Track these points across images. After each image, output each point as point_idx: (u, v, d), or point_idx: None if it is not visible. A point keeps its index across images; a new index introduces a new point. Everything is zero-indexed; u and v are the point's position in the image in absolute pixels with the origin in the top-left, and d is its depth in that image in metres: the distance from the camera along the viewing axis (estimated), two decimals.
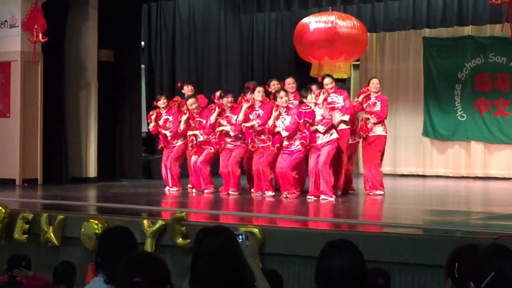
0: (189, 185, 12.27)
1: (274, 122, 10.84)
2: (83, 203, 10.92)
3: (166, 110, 12.29)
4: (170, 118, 12.19)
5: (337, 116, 10.93)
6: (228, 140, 11.56)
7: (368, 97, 11.51)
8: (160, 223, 7.96)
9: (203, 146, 11.83)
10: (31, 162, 13.30)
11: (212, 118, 11.59)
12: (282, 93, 10.94)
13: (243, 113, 11.26)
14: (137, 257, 3.40)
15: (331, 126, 10.66)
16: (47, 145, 13.57)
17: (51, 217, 8.69)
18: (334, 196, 10.62)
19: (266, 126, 10.97)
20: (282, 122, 10.78)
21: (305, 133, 10.60)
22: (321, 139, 10.62)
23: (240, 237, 3.51)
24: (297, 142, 10.72)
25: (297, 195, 10.82)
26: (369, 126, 11.35)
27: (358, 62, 17.73)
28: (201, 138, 11.78)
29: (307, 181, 11.02)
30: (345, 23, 14.84)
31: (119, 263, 3.37)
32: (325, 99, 11.09)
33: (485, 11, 14.78)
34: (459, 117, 16.71)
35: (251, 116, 11.26)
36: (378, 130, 11.41)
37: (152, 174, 15.19)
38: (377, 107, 11.40)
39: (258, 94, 11.31)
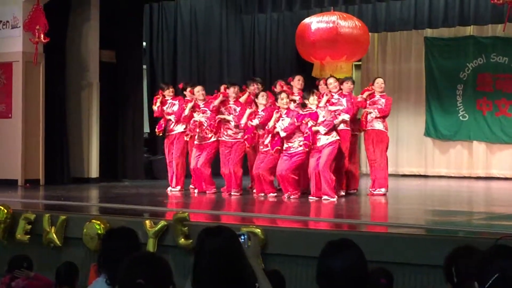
0: (191, 186, 12.27)
1: (274, 123, 10.84)
2: (85, 204, 10.93)
3: (172, 97, 12.32)
4: (176, 102, 12.19)
5: (339, 116, 10.93)
6: (226, 133, 11.54)
7: (372, 95, 11.52)
8: (162, 223, 7.96)
9: (203, 142, 11.78)
10: (33, 162, 13.30)
11: (216, 102, 11.58)
12: (283, 95, 10.95)
13: (246, 118, 11.27)
14: (139, 258, 3.39)
15: (332, 128, 10.66)
16: (49, 146, 13.58)
17: (53, 217, 8.69)
18: (336, 197, 10.62)
19: (267, 127, 10.97)
20: (282, 123, 10.78)
21: (307, 133, 10.60)
22: (322, 141, 10.62)
23: (242, 237, 3.50)
24: (296, 145, 10.73)
25: (298, 196, 10.82)
26: (368, 118, 11.37)
27: (360, 63, 17.73)
28: (205, 125, 11.69)
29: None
30: (347, 23, 14.84)
31: (121, 264, 3.37)
32: (328, 100, 11.11)
33: (486, 11, 14.77)
34: (461, 117, 16.70)
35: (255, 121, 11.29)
36: (378, 125, 11.40)
37: (154, 174, 15.20)
38: (381, 104, 11.41)
39: (262, 98, 11.31)
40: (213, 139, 11.70)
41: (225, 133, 11.60)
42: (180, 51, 16.22)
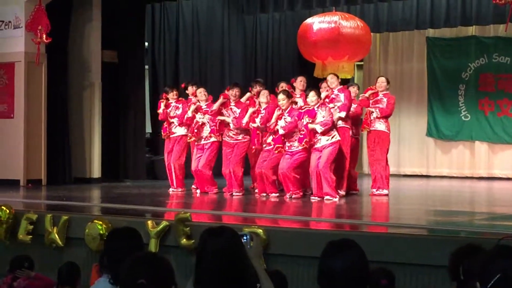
0: (193, 186, 12.27)
1: (276, 121, 10.85)
2: (87, 204, 10.94)
3: (176, 100, 12.34)
4: (180, 106, 12.21)
5: (335, 114, 10.93)
6: (228, 134, 11.56)
7: (375, 94, 11.52)
8: (164, 223, 7.96)
9: (203, 142, 11.80)
10: (35, 162, 13.31)
11: (215, 105, 11.61)
12: (280, 96, 10.93)
13: (248, 117, 11.29)
14: (141, 258, 3.39)
15: (332, 127, 10.63)
16: (51, 146, 13.58)
17: (55, 217, 8.70)
18: (338, 196, 10.63)
19: (268, 124, 10.99)
20: (284, 121, 10.79)
21: (303, 130, 10.62)
22: (323, 142, 10.62)
23: (245, 237, 3.51)
24: (297, 143, 10.74)
25: (300, 195, 10.82)
26: (371, 118, 11.38)
27: (362, 63, 17.74)
28: (207, 126, 11.72)
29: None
30: (349, 24, 14.83)
31: (123, 263, 3.38)
32: (328, 96, 11.13)
33: (488, 11, 14.77)
34: (463, 117, 16.70)
35: (257, 120, 11.29)
36: (380, 126, 11.40)
37: (156, 174, 15.21)
38: (383, 103, 11.41)
39: (263, 96, 11.32)
40: (213, 139, 11.72)
41: (227, 134, 11.62)
42: (182, 51, 16.22)
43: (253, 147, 11.50)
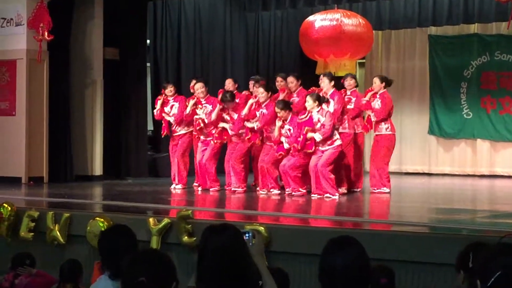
0: (195, 183, 12.27)
1: (280, 132, 10.84)
2: (89, 201, 10.94)
3: (173, 98, 12.31)
4: (176, 105, 12.20)
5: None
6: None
7: (374, 95, 11.50)
8: (165, 221, 7.97)
9: (207, 139, 11.82)
10: (37, 160, 13.31)
11: (213, 115, 11.61)
12: (278, 107, 10.89)
13: (248, 108, 11.30)
14: (143, 255, 3.39)
15: (332, 134, 10.59)
16: (53, 143, 13.58)
17: (57, 215, 8.70)
18: (338, 194, 10.62)
19: (271, 134, 11.01)
20: (288, 131, 10.76)
21: (300, 137, 10.64)
22: (325, 146, 10.62)
23: (247, 235, 3.50)
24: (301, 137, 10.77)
25: (302, 193, 10.82)
26: (373, 120, 11.38)
27: (364, 60, 17.71)
28: (206, 121, 11.73)
29: None
30: (351, 21, 14.80)
31: (124, 260, 3.37)
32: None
33: (491, 9, 14.75)
34: (465, 115, 16.68)
35: (257, 113, 11.27)
36: (382, 129, 11.39)
37: (158, 172, 15.21)
38: (378, 105, 11.39)
39: (262, 95, 11.30)
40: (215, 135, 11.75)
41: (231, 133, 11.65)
42: (184, 49, 16.21)
43: (255, 141, 11.46)
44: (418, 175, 16.78)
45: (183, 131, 12.21)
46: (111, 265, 4.03)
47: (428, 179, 16.14)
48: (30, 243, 8.68)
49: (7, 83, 13.42)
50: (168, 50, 16.12)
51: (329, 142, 10.60)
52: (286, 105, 10.92)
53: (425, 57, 17.13)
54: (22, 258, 7.25)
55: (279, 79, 11.98)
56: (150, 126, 15.84)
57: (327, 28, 14.76)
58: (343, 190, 11.24)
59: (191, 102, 11.95)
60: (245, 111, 11.32)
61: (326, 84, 11.32)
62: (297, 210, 9.76)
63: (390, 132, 11.43)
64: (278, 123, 10.87)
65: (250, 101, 11.39)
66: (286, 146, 10.82)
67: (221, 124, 11.62)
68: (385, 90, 11.54)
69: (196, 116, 11.92)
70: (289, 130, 10.79)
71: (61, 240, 8.59)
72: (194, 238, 7.60)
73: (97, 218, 8.27)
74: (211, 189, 11.77)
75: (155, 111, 12.46)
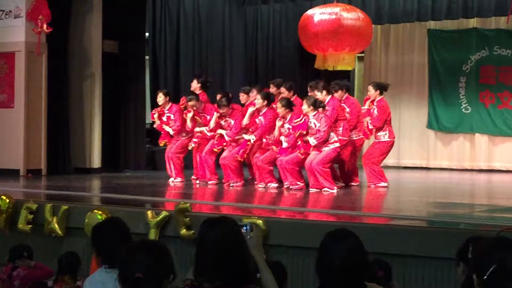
0: (193, 177, 12.28)
1: (280, 131, 10.84)
2: (87, 194, 10.96)
3: (167, 108, 12.28)
4: (172, 117, 12.18)
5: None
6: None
7: (372, 102, 11.48)
8: (164, 214, 7.97)
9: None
10: (35, 152, 13.31)
11: (212, 122, 11.63)
12: (280, 103, 10.89)
13: (248, 117, 11.29)
14: (139, 246, 3.36)
15: (327, 139, 10.58)
16: (51, 136, 13.58)
17: (55, 207, 8.71)
18: (336, 188, 10.62)
19: (271, 136, 11.02)
20: (287, 130, 10.78)
21: (298, 143, 10.67)
22: (321, 147, 10.64)
23: (245, 228, 3.51)
24: (299, 142, 10.78)
25: (300, 187, 10.82)
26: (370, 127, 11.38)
27: (363, 54, 17.68)
28: (208, 135, 11.80)
29: None
30: (350, 15, 14.78)
31: (120, 251, 3.36)
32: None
33: (490, 3, 14.73)
34: (463, 110, 16.68)
35: (256, 120, 11.29)
36: (380, 137, 11.41)
37: (156, 165, 15.21)
38: (374, 113, 11.36)
39: (258, 102, 11.32)
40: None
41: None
42: (182, 42, 16.20)
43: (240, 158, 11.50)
44: (416, 169, 16.78)
45: (184, 137, 12.24)
46: (105, 258, 4.04)
47: (426, 173, 16.15)
48: (28, 235, 8.69)
49: (6, 75, 13.41)
50: (167, 43, 16.10)
51: (326, 144, 10.61)
52: (289, 104, 10.93)
53: (424, 51, 17.11)
54: (20, 250, 7.26)
55: (272, 85, 12.07)
56: (149, 119, 15.82)
57: (326, 22, 14.74)
58: (340, 184, 11.24)
59: (189, 115, 11.96)
60: (245, 120, 11.30)
61: (324, 94, 11.23)
62: (295, 204, 9.77)
63: (389, 139, 11.43)
64: (279, 123, 10.87)
65: (250, 110, 11.36)
66: (285, 145, 10.83)
67: (219, 131, 11.63)
68: (381, 97, 11.50)
69: (196, 129, 11.95)
70: (289, 129, 10.79)
71: (59, 232, 8.60)
72: (192, 231, 7.60)
73: (95, 211, 8.27)
74: (209, 182, 11.78)
75: (155, 125, 12.48)
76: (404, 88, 17.15)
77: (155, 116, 12.35)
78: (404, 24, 17.09)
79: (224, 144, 11.68)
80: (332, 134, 10.65)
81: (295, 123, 10.72)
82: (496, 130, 16.34)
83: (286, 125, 10.84)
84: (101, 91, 14.33)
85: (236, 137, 11.50)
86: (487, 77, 16.41)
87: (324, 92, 11.25)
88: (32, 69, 13.27)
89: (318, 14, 14.92)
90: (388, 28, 17.51)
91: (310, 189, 10.65)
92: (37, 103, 13.36)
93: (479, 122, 16.47)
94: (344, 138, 11.08)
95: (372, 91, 11.51)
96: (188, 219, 7.75)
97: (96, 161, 14.26)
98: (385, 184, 11.39)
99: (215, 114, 11.67)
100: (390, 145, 11.53)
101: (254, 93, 11.91)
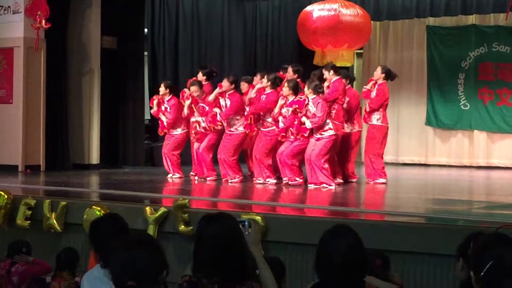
0: (191, 173, 12.28)
1: (280, 110, 10.84)
2: (86, 190, 10.94)
3: (167, 99, 12.27)
4: (168, 109, 12.18)
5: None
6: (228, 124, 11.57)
7: (374, 85, 11.52)
8: (162, 210, 7.97)
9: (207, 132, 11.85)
10: (34, 148, 13.30)
11: (212, 96, 11.57)
12: (287, 86, 10.89)
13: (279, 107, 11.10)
14: (131, 242, 3.21)
15: (323, 125, 10.57)
16: (50, 132, 13.57)
17: (54, 203, 8.70)
18: (334, 184, 10.62)
19: (273, 114, 10.97)
20: (287, 111, 10.78)
21: (295, 121, 10.64)
22: (317, 134, 10.62)
23: (243, 224, 3.51)
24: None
25: (299, 183, 10.82)
26: (367, 110, 11.40)
27: (362, 51, 17.69)
28: (203, 125, 11.77)
29: None
30: (349, 11, 14.77)
31: (111, 247, 3.27)
32: (328, 87, 11.11)
33: (489, 0, 14.73)
34: (462, 106, 16.68)
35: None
36: (373, 120, 11.40)
37: (155, 161, 15.20)
38: (373, 95, 11.40)
39: (267, 84, 11.33)
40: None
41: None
42: (181, 38, 16.18)
43: (247, 131, 11.48)
44: (415, 166, 16.79)
45: (179, 131, 12.21)
46: (103, 255, 4.02)
47: (424, 170, 16.15)
48: (27, 231, 8.68)
49: (4, 71, 13.39)
50: (166, 39, 16.09)
51: (320, 131, 10.60)
52: (295, 87, 10.89)
53: (423, 48, 17.11)
54: (18, 246, 7.26)
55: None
56: (147, 115, 15.82)
57: (325, 18, 14.73)
58: (338, 180, 11.24)
59: (187, 102, 11.93)
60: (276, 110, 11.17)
61: (330, 74, 11.25)
62: (293, 200, 9.77)
63: (381, 124, 11.41)
64: (281, 102, 10.86)
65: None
66: (281, 125, 10.80)
67: (215, 109, 11.58)
68: (384, 81, 11.52)
69: (192, 119, 11.93)
70: (288, 111, 10.80)
71: (58, 228, 8.59)
72: (191, 227, 7.60)
73: (94, 207, 8.26)
74: (208, 178, 11.78)
75: (151, 110, 12.46)
76: (403, 85, 17.13)
77: (154, 102, 12.33)
78: (403, 21, 17.09)
79: (218, 123, 11.55)
80: (328, 120, 10.63)
81: (296, 98, 10.72)
82: (495, 126, 16.35)
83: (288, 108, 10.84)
84: (99, 87, 14.32)
85: (231, 121, 11.44)
86: (486, 73, 16.41)
87: (332, 71, 11.27)
88: (30, 65, 13.26)
89: (317, 10, 14.90)
90: (387, 25, 17.51)
91: (309, 185, 10.65)
92: (35, 99, 13.35)
93: (477, 118, 16.48)
94: (337, 123, 10.99)
95: (378, 72, 11.54)
96: (186, 215, 7.75)
97: (94, 157, 14.26)
98: (384, 181, 11.39)
99: (217, 89, 11.62)
100: (384, 130, 11.49)
101: (258, 77, 11.90)
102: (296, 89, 10.86)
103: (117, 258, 3.11)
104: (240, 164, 11.67)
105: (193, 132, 12.04)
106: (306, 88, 10.70)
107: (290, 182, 10.82)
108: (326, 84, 11.24)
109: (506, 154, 16.28)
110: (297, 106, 10.59)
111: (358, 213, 8.43)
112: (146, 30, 15.94)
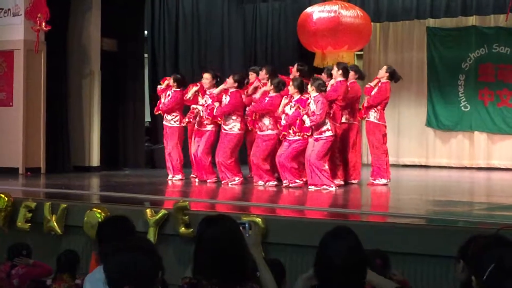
0: (192, 175, 12.28)
1: (283, 109, 10.84)
2: (86, 192, 10.94)
3: (175, 89, 12.23)
4: (170, 96, 12.16)
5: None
6: (225, 124, 11.53)
7: (378, 83, 11.55)
8: (163, 212, 7.97)
9: (202, 129, 11.80)
10: (34, 151, 13.30)
11: (217, 90, 11.56)
12: (292, 83, 10.91)
13: (282, 106, 11.12)
14: (125, 245, 3.22)
15: (322, 124, 10.57)
16: (50, 134, 13.57)
17: (54, 205, 8.70)
18: (334, 186, 10.61)
19: (277, 113, 10.97)
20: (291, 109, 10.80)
21: (297, 119, 10.64)
22: (315, 134, 10.62)
23: (243, 226, 3.51)
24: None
25: (299, 185, 10.82)
26: (365, 106, 11.42)
27: (362, 52, 17.68)
28: (202, 114, 11.73)
29: None
30: (349, 13, 14.78)
31: (106, 250, 3.26)
32: (332, 85, 11.12)
33: (489, 1, 14.74)
34: (462, 108, 16.68)
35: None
36: (370, 116, 11.40)
37: (155, 163, 15.22)
38: (374, 92, 11.44)
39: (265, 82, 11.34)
40: (209, 127, 11.71)
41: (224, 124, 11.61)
42: (181, 40, 16.19)
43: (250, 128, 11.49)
44: (416, 167, 16.79)
45: (174, 124, 12.19)
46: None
47: (425, 171, 16.15)
48: (27, 234, 8.68)
49: (5, 74, 13.40)
50: (166, 41, 16.10)
51: (319, 131, 10.59)
52: (301, 86, 10.89)
53: (423, 49, 17.11)
54: (19, 249, 7.26)
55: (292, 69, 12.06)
56: (148, 117, 15.83)
57: (325, 19, 14.74)
58: (339, 181, 11.24)
59: (194, 88, 11.94)
60: (280, 108, 11.11)
61: (337, 74, 11.25)
62: (294, 202, 9.76)
63: (378, 121, 11.41)
64: (285, 100, 10.86)
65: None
66: (283, 122, 10.80)
67: (216, 103, 11.57)
68: (387, 81, 11.54)
69: (193, 106, 11.93)
70: (291, 107, 10.81)
71: (58, 230, 8.59)
72: (191, 229, 7.59)
73: (94, 209, 8.26)
74: (208, 181, 11.77)
75: (159, 87, 12.47)
76: (403, 86, 17.05)
77: (166, 82, 12.31)
78: (403, 22, 17.10)
79: (218, 118, 11.56)
80: (326, 120, 10.62)
81: (297, 100, 10.74)
82: (495, 128, 16.35)
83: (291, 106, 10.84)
84: (100, 89, 14.33)
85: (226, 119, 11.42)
86: (486, 75, 16.41)
87: (341, 71, 11.25)
88: (31, 67, 13.26)
89: (317, 12, 14.92)
90: (387, 26, 17.51)
91: (309, 186, 10.65)
92: (36, 101, 13.35)
93: (478, 120, 16.48)
94: (335, 124, 11.01)
95: (383, 71, 11.56)
96: (187, 217, 7.74)
97: (95, 160, 14.26)
98: (386, 181, 11.38)
99: (222, 85, 11.62)
100: (381, 128, 11.47)
101: (264, 71, 11.90)
102: (301, 88, 10.87)
103: (111, 262, 3.11)
104: (239, 165, 11.66)
105: (189, 116, 11.99)
106: (309, 86, 10.71)
107: (290, 185, 10.82)
108: (331, 82, 11.24)
109: (506, 155, 16.28)
110: (299, 104, 10.60)
111: (358, 214, 8.42)
112: (146, 32, 15.95)
